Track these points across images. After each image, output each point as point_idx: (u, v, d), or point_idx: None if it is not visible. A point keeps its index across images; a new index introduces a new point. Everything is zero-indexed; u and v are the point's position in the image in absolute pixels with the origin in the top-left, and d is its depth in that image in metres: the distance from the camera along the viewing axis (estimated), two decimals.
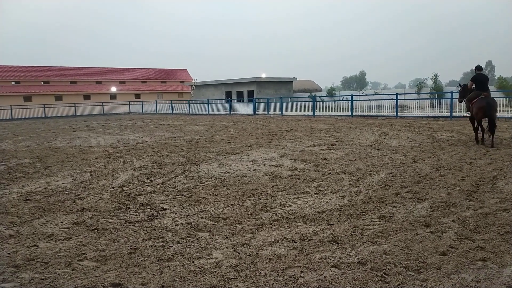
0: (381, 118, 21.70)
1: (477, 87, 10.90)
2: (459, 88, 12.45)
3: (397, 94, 23.19)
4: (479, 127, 10.93)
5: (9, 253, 3.97)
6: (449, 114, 20.18)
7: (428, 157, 8.72)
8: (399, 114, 22.20)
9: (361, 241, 4.04)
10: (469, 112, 11.12)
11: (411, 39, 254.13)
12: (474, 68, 11.20)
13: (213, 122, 23.68)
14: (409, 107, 25.03)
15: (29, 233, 4.57)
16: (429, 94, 29.85)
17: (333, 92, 45.40)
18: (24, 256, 3.87)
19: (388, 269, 3.39)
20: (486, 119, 10.32)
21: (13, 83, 52.86)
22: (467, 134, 12.49)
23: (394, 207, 5.18)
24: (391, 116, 22.26)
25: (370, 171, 7.44)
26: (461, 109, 20.78)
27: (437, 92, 30.03)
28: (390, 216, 4.80)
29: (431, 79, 35.99)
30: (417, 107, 25.08)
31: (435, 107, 24.43)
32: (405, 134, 13.23)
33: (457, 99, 13.44)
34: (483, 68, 11.53)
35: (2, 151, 12.40)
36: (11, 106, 40.17)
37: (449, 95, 21.53)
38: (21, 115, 39.51)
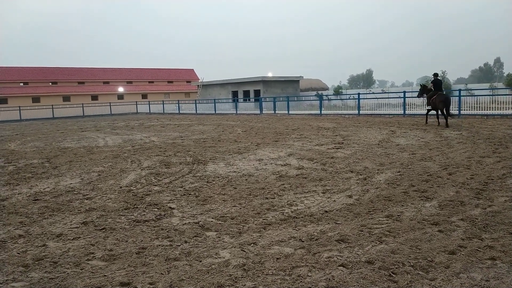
0: (388, 117, 21.59)
1: (434, 88, 15.63)
2: (420, 87, 17.47)
3: (404, 92, 23.05)
4: (429, 115, 16.55)
5: (18, 253, 4.01)
6: (457, 111, 20.01)
7: (436, 155, 8.66)
8: (407, 112, 22.07)
9: (368, 240, 4.02)
10: (430, 106, 15.88)
11: (418, 37, 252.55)
12: (433, 74, 16.21)
13: (219, 121, 23.70)
14: (416, 105, 24.86)
15: (38, 233, 4.61)
16: None
17: (340, 90, 45.30)
18: (33, 256, 3.91)
19: (396, 268, 3.38)
20: (437, 109, 15.31)
21: (21, 84, 53.38)
22: (475, 132, 12.39)
23: (402, 206, 5.16)
24: (398, 114, 22.13)
25: (378, 170, 7.41)
26: (468, 107, 20.82)
27: (445, 90, 29.78)
28: (398, 215, 4.77)
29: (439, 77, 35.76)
30: (425, 105, 24.87)
31: None
32: (413, 132, 13.15)
33: (452, 97, 17.33)
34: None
35: (11, 151, 12.53)
36: (19, 107, 40.56)
37: (457, 93, 21.36)
38: (29, 116, 39.88)
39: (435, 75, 16.03)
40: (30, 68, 56.13)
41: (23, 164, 9.68)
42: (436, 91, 15.36)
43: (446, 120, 14.76)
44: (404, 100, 22.34)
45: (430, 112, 16.39)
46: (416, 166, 7.58)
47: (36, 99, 51.63)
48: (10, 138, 17.58)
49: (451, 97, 17.11)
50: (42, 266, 3.67)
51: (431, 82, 15.94)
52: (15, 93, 50.64)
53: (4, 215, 5.36)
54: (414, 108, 24.11)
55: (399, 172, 7.16)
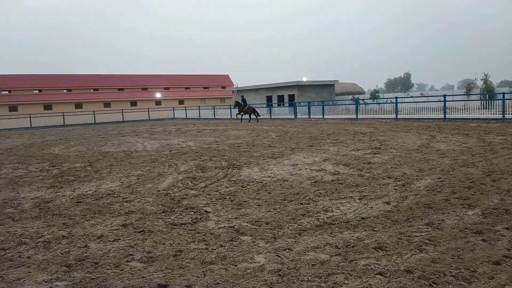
0: (428, 121, 20.96)
1: (243, 103, 30.14)
2: (235, 102, 31.46)
3: (445, 95, 22.33)
4: (244, 115, 30.84)
5: (62, 253, 4.17)
6: (501, 115, 19.17)
7: (479, 161, 8.32)
8: (447, 116, 21.36)
9: (407, 248, 3.91)
10: (242, 112, 29.97)
11: (459, 39, 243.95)
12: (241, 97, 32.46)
13: (254, 126, 23.80)
14: (458, 109, 24.02)
15: (80, 234, 4.78)
16: (479, 95, 28.53)
17: (377, 94, 44.48)
18: (76, 256, 4.06)
19: (437, 278, 3.26)
20: (248, 114, 29.96)
21: (65, 91, 55.76)
22: None
23: (443, 213, 4.98)
24: (438, 118, 21.45)
25: (417, 176, 7.20)
26: None
27: (488, 93, 28.63)
28: (439, 223, 4.61)
29: (481, 79, 34.43)
30: (467, 109, 24.02)
31: (486, 108, 23.27)
32: (454, 137, 12.70)
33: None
34: None
35: (55, 155, 13.09)
36: (63, 112, 42.41)
37: (501, 96, 20.47)
38: (72, 121, 41.61)
39: (242, 96, 32.51)
40: (73, 75, 58.58)
41: (66, 168, 10.09)
42: (246, 104, 30.20)
43: (257, 119, 29.93)
44: (445, 104, 21.64)
45: (244, 116, 31.15)
46: (457, 173, 7.31)
47: (78, 105, 53.73)
48: (54, 143, 18.38)
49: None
50: (84, 267, 3.80)
51: (241, 100, 30.55)
52: (59, 100, 52.93)
53: (49, 217, 5.60)
54: (455, 112, 23.30)
55: (439, 178, 6.93)
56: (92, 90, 57.59)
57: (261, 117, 31.48)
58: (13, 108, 49.19)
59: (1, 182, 8.49)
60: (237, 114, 31.18)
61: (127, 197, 6.57)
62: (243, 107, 29.91)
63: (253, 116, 30.70)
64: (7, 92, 51.99)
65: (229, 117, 38.78)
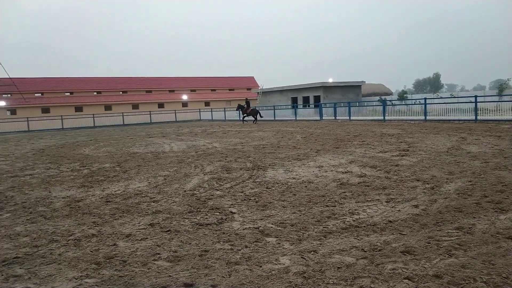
0: (458, 123, 20.40)
1: (247, 106, 32.29)
2: (238, 105, 33.47)
3: (476, 96, 21.68)
4: (248, 117, 33.25)
5: (91, 251, 4.29)
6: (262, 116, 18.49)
7: None
8: (479, 118, 20.73)
9: (436, 253, 3.82)
10: (245, 114, 32.51)
11: (489, 39, 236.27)
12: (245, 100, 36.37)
13: (279, 128, 23.77)
14: (489, 110, 23.27)
15: (109, 232, 4.90)
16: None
17: (405, 95, 43.64)
18: (105, 254, 4.16)
19: (466, 283, 3.17)
20: (252, 116, 32.07)
21: (95, 93, 57.32)
22: None
23: (474, 217, 4.84)
24: (469, 120, 20.85)
25: (447, 179, 7.02)
26: None
27: None
28: (469, 227, 4.48)
29: None
30: (499, 110, 23.24)
31: None
32: (486, 139, 12.31)
33: None
34: None
35: (85, 156, 13.45)
36: (93, 114, 43.50)
37: None
38: (102, 123, 42.62)
39: (247, 99, 34.08)
40: (103, 78, 60.13)
41: (96, 168, 10.35)
42: (249, 107, 32.29)
43: (256, 120, 31.77)
44: (476, 105, 21.02)
45: (246, 118, 33.36)
46: (489, 176, 7.08)
47: (108, 107, 55.11)
48: (85, 144, 18.88)
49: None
50: (112, 264, 3.89)
51: (245, 103, 32.64)
52: (90, 102, 54.43)
53: (79, 215, 5.76)
54: (487, 113, 22.58)
55: (470, 181, 6.73)
56: (121, 92, 58.96)
57: (263, 118, 34.58)
58: (45, 110, 50.91)
59: (34, 181, 8.79)
60: (243, 117, 33.30)
61: (154, 197, 6.68)
62: (246, 109, 32.46)
63: (251, 118, 33.15)
64: (40, 94, 53.85)
65: (253, 118, 38.88)
